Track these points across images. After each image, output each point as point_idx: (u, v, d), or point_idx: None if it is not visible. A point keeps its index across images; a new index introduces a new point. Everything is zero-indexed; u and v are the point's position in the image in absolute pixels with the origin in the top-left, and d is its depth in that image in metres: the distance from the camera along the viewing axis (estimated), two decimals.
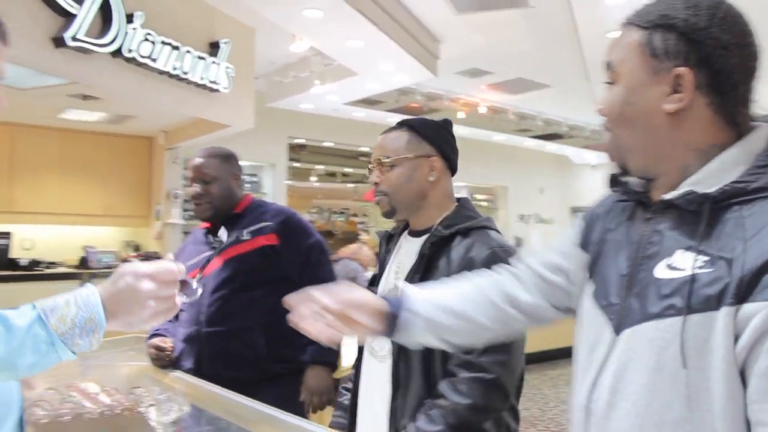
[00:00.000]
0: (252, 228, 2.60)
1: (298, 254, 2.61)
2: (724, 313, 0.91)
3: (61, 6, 4.14)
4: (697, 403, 0.94)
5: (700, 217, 0.99)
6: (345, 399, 2.09)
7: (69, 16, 4.21)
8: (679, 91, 1.04)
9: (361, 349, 1.99)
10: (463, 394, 1.64)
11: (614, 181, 1.23)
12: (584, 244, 1.27)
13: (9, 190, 6.93)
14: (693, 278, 0.96)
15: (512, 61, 7.46)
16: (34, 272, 6.37)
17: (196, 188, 2.67)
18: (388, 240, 2.07)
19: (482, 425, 1.67)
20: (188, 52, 5.25)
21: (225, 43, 5.65)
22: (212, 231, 2.73)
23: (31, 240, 7.40)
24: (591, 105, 9.05)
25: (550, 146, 11.81)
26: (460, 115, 9.43)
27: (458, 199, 1.99)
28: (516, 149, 11.91)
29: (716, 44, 1.02)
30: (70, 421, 1.77)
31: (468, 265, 1.71)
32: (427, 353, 1.72)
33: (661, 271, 1.02)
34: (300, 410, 2.40)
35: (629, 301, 1.06)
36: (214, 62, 5.56)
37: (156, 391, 2.20)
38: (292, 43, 6.42)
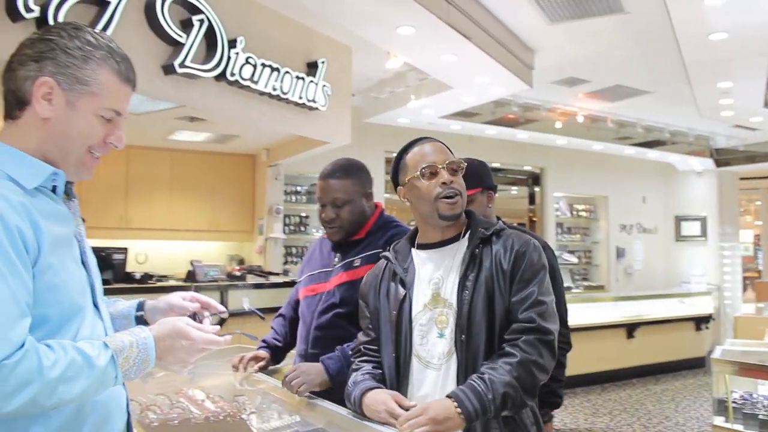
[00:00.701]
0: (364, 254, 2.57)
1: None
2: None
3: (170, 36, 4.40)
4: None
5: None
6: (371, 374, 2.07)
7: (177, 45, 4.48)
8: None
9: (397, 354, 1.99)
10: (526, 351, 1.81)
11: None
12: None
13: (125, 208, 7.39)
14: None
15: (609, 68, 7.31)
16: (147, 285, 6.73)
17: (329, 213, 2.58)
18: (397, 260, 2.11)
19: (537, 385, 1.84)
20: (287, 72, 5.45)
21: (322, 62, 5.83)
22: (335, 246, 2.69)
23: (144, 254, 7.84)
24: (693, 109, 8.73)
25: (652, 153, 11.42)
26: (558, 124, 9.30)
27: (467, 211, 2.11)
28: (616, 158, 11.60)
29: None
30: (178, 425, 1.89)
31: (519, 256, 1.92)
32: (491, 350, 1.87)
33: None
34: None
35: None
36: (312, 81, 5.74)
37: (258, 400, 2.31)
38: (388, 60, 6.54)
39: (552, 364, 1.86)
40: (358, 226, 2.62)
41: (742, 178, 12.51)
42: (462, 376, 1.86)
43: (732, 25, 5.45)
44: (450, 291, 1.95)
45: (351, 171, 2.63)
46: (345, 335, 2.49)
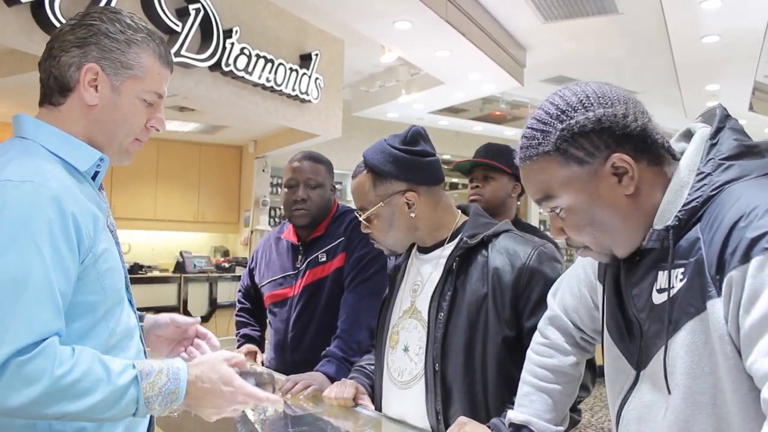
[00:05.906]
0: (327, 247, 2.54)
1: (350, 261, 2.50)
2: None
3: (165, 24, 4.35)
4: None
5: None
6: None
7: (172, 33, 4.43)
8: None
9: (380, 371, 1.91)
10: None
11: None
12: None
13: (109, 197, 7.29)
14: None
15: (600, 68, 7.34)
16: (136, 276, 6.65)
17: (301, 193, 2.53)
18: (396, 257, 1.97)
19: None
20: (281, 64, 5.42)
21: (316, 54, 5.80)
22: (295, 247, 2.64)
23: (127, 244, 7.74)
24: (680, 111, 8.82)
25: None
26: None
27: (466, 207, 1.88)
28: None
29: None
30: (178, 417, 1.87)
31: (525, 273, 1.64)
32: (470, 380, 1.67)
33: None
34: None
35: None
36: (305, 74, 5.71)
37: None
38: (382, 55, 6.52)
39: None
40: (323, 215, 2.59)
41: None
42: (431, 401, 1.70)
43: (724, 28, 5.51)
44: (424, 304, 1.77)
45: (323, 160, 2.67)
46: (322, 332, 2.46)
